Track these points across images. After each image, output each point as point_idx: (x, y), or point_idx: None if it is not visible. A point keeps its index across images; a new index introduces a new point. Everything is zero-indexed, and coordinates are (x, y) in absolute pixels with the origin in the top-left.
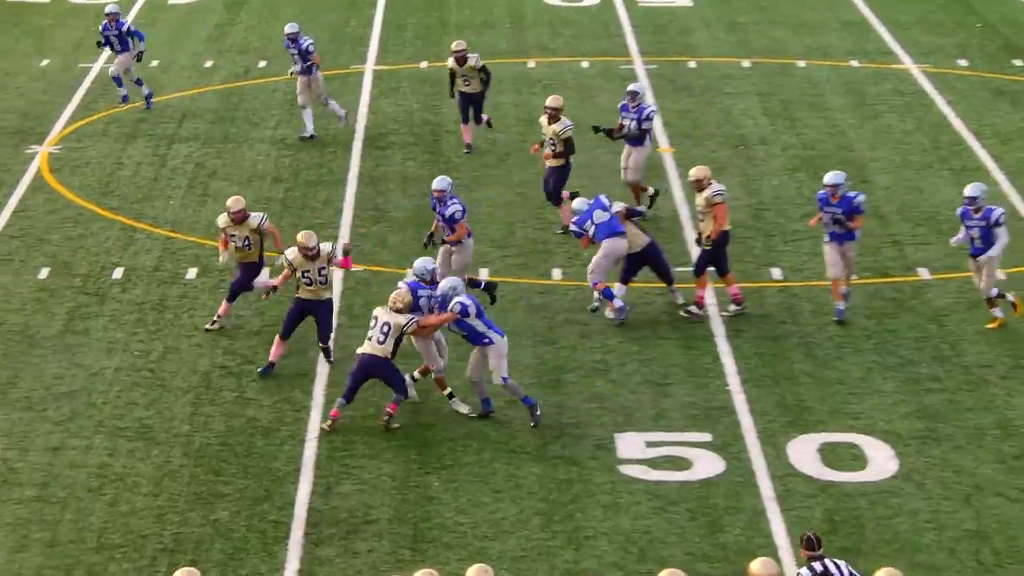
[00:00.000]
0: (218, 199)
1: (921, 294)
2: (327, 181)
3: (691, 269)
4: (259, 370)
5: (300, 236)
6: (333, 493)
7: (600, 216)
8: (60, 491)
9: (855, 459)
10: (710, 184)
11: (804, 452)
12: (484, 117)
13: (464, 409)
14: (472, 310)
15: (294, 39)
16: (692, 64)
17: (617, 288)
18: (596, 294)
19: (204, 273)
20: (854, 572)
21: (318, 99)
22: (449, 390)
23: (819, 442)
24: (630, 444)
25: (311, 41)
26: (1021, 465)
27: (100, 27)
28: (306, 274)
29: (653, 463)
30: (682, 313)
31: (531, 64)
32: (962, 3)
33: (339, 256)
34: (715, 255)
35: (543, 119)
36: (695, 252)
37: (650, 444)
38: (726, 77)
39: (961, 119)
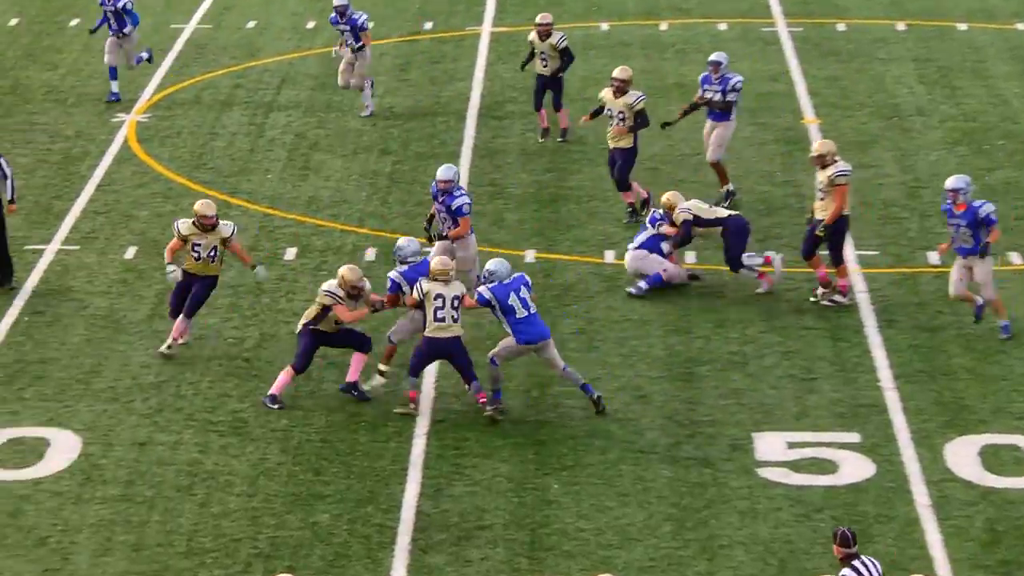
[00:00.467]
0: (320, 172)
1: None
2: (439, 154)
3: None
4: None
5: (346, 272)
6: (443, 495)
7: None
8: (147, 490)
9: (1020, 463)
10: (835, 162)
11: (963, 455)
12: (563, 107)
13: (375, 383)
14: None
15: (343, 12)
16: (841, 27)
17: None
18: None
19: (304, 253)
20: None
21: (359, 81)
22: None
23: (980, 444)
24: (770, 445)
25: (366, 16)
26: None
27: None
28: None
29: (795, 466)
30: (823, 302)
31: (663, 26)
32: None
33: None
34: (830, 242)
35: (606, 92)
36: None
37: (792, 445)
38: (878, 41)
39: None
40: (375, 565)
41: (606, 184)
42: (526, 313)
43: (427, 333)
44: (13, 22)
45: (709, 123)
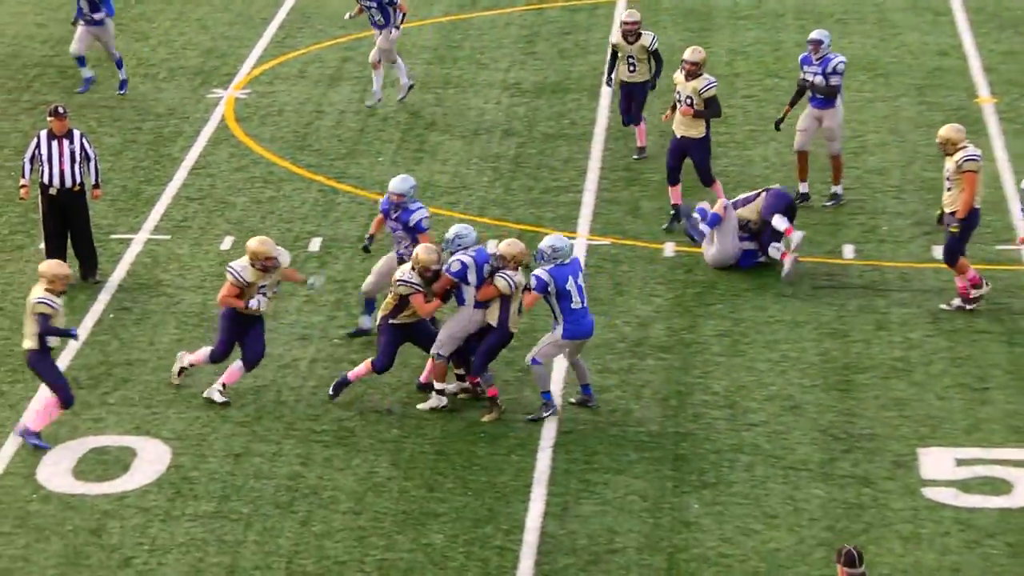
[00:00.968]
0: (436, 155)
1: None
2: (569, 135)
3: (1007, 246)
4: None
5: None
6: (570, 515)
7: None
8: (243, 506)
9: None
10: (964, 147)
11: None
12: (643, 118)
13: (433, 403)
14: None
15: None
16: None
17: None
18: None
19: None
20: None
21: (387, 58)
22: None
23: None
24: (937, 461)
25: None
26: None
27: None
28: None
29: (965, 485)
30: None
31: None
32: None
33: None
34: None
35: (679, 75)
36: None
37: (961, 462)
38: None
39: None
40: None
41: (754, 169)
42: (581, 304)
43: (512, 327)
44: None
45: (810, 110)
